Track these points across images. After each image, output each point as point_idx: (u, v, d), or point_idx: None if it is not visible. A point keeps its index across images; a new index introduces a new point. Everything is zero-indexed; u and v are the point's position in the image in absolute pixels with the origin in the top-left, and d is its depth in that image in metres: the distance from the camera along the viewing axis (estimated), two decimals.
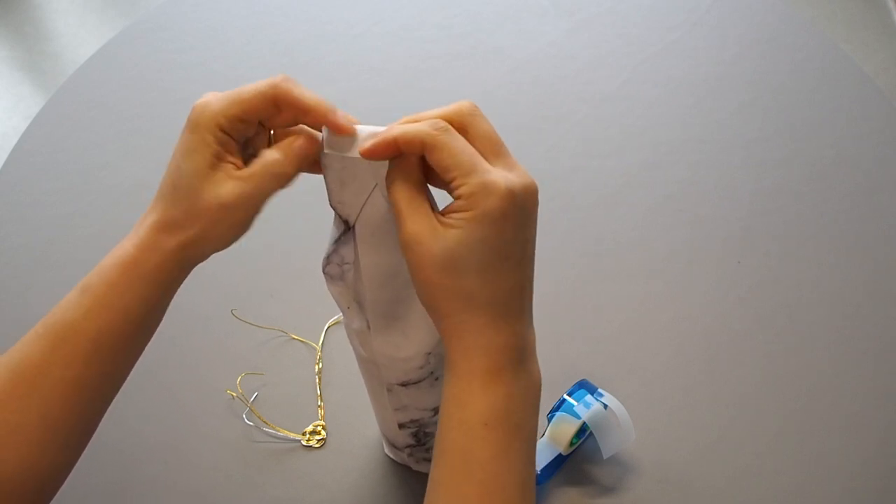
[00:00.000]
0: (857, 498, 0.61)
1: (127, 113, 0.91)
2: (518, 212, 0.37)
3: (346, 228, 0.43)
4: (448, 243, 0.37)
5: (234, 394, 0.67)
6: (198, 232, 0.42)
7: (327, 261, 0.45)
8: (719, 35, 0.95)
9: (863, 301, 0.72)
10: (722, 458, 0.63)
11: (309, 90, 0.41)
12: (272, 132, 0.44)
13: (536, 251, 0.40)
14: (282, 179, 0.42)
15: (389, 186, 0.39)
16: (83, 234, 0.80)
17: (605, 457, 0.60)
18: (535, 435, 0.40)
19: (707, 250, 0.76)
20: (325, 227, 0.45)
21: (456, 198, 0.37)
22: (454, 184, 0.37)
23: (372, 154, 0.38)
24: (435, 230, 0.37)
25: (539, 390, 0.40)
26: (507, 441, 0.38)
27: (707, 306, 0.72)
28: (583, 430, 0.61)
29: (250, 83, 0.41)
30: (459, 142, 0.38)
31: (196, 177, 0.41)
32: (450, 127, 0.38)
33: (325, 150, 0.41)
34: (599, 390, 0.62)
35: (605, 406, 0.59)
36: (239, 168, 0.42)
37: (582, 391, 0.61)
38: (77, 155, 0.87)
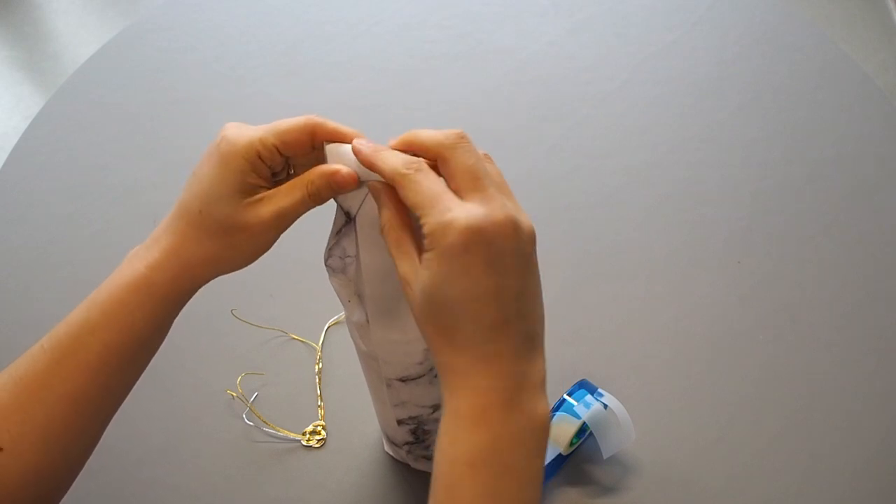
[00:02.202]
0: (857, 498, 0.61)
1: (127, 113, 0.91)
2: (485, 247, 0.35)
3: (347, 220, 0.44)
4: (422, 283, 0.37)
5: (234, 394, 0.67)
6: (225, 252, 0.43)
7: (329, 253, 0.45)
8: (719, 35, 0.95)
9: (863, 301, 0.72)
10: (722, 458, 0.63)
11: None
12: (292, 171, 0.45)
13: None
14: (315, 199, 0.42)
15: (382, 230, 0.40)
16: (83, 234, 0.80)
17: (605, 457, 0.60)
18: (536, 478, 0.39)
19: (707, 250, 0.76)
20: (325, 227, 0.45)
21: (423, 237, 0.37)
22: (420, 222, 0.37)
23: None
24: (416, 271, 0.38)
25: (542, 431, 0.38)
26: (493, 483, 0.37)
27: (707, 306, 0.72)
28: (583, 430, 0.61)
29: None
30: (427, 180, 0.37)
31: (230, 202, 0.41)
32: (422, 166, 0.38)
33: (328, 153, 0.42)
34: (599, 390, 0.62)
35: (605, 406, 0.59)
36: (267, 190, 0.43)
37: (582, 391, 0.61)
38: (77, 155, 0.87)
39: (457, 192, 0.37)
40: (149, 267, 0.43)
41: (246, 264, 0.44)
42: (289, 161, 0.44)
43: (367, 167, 0.40)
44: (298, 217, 0.43)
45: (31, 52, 2.09)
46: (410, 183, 0.37)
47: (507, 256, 0.36)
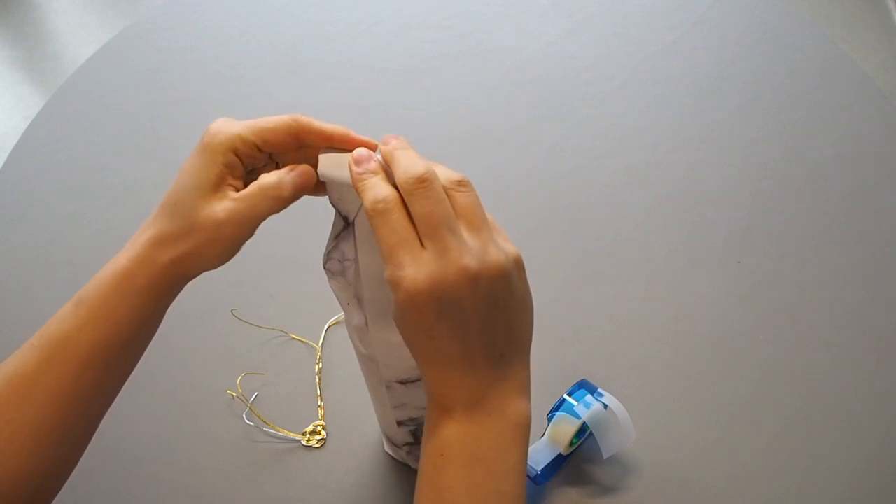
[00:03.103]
0: (857, 498, 0.61)
1: (127, 113, 0.91)
2: (434, 303, 0.36)
3: (346, 224, 0.44)
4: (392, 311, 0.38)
5: (234, 394, 0.67)
6: (191, 248, 0.43)
7: (328, 257, 0.45)
8: (719, 35, 0.95)
9: (863, 301, 0.72)
10: (722, 458, 0.63)
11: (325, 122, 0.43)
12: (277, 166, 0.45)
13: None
14: (276, 203, 0.43)
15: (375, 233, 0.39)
16: (83, 234, 0.80)
17: (605, 457, 0.60)
18: (514, 471, 0.40)
19: (707, 250, 0.76)
20: (325, 227, 0.45)
21: None
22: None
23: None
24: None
25: (515, 428, 0.40)
26: (465, 473, 0.38)
27: (707, 306, 0.72)
28: (583, 430, 0.61)
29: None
30: (390, 224, 0.37)
31: (196, 194, 0.42)
32: (389, 205, 0.37)
33: (320, 171, 0.42)
34: (599, 390, 0.62)
35: (605, 406, 0.59)
36: (237, 191, 0.43)
37: (582, 391, 0.61)
38: (77, 155, 0.87)
39: (420, 235, 0.37)
40: (130, 261, 0.43)
41: (220, 262, 0.44)
42: (272, 156, 0.45)
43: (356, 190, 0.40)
44: (262, 220, 0.43)
45: (31, 52, 2.09)
46: (377, 224, 0.37)
47: (463, 302, 0.36)
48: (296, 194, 0.43)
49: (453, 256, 0.36)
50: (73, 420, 0.44)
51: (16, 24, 2.16)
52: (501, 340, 0.39)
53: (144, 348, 0.46)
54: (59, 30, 2.15)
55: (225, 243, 0.43)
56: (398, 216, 0.37)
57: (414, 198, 0.37)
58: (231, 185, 0.43)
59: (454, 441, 0.39)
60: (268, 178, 0.43)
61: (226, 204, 0.42)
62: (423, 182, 0.37)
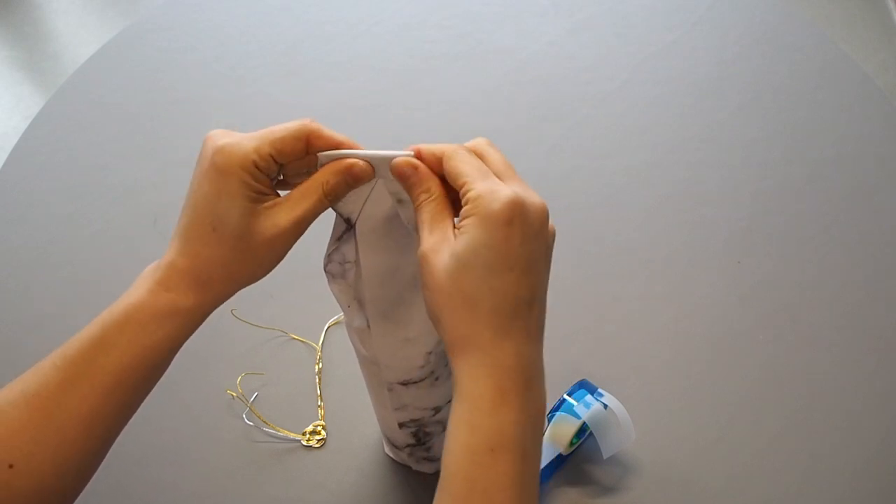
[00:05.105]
0: (857, 498, 0.61)
1: (127, 113, 0.91)
2: (523, 222, 0.37)
3: (347, 227, 0.44)
4: (456, 247, 0.37)
5: (234, 394, 0.67)
6: (245, 267, 0.43)
7: (328, 259, 0.45)
8: (719, 35, 0.95)
9: (863, 301, 0.72)
10: (722, 458, 0.63)
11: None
12: (281, 176, 0.45)
13: None
14: (331, 198, 0.42)
15: (420, 198, 0.40)
16: (83, 234, 0.80)
17: (605, 457, 0.60)
18: (540, 463, 0.39)
19: (707, 250, 0.76)
20: (326, 227, 0.45)
21: (464, 203, 0.38)
22: (464, 189, 0.38)
23: (399, 169, 0.41)
24: (447, 240, 0.38)
25: (544, 417, 0.39)
26: (514, 470, 0.36)
27: (707, 306, 0.72)
28: (583, 430, 0.61)
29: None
30: (475, 157, 0.40)
31: (240, 214, 0.41)
32: (456, 148, 0.40)
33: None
34: (599, 390, 0.62)
35: (605, 406, 0.59)
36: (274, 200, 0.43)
37: (582, 391, 0.61)
38: (77, 155, 0.87)
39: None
40: (170, 290, 0.42)
41: (264, 274, 0.44)
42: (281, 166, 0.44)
43: (416, 153, 0.41)
44: (314, 220, 0.43)
45: (31, 52, 2.09)
46: (460, 155, 0.39)
47: (539, 240, 0.38)
48: (347, 189, 0.42)
49: (534, 194, 0.38)
50: (95, 440, 0.43)
51: (16, 24, 2.16)
52: (545, 304, 0.39)
53: (167, 367, 0.46)
54: (59, 30, 2.15)
55: (281, 253, 0.43)
56: (477, 158, 0.40)
57: (491, 149, 0.41)
58: (269, 196, 0.42)
59: (508, 434, 0.36)
60: (323, 175, 0.42)
61: (284, 211, 0.42)
62: (491, 143, 0.41)
